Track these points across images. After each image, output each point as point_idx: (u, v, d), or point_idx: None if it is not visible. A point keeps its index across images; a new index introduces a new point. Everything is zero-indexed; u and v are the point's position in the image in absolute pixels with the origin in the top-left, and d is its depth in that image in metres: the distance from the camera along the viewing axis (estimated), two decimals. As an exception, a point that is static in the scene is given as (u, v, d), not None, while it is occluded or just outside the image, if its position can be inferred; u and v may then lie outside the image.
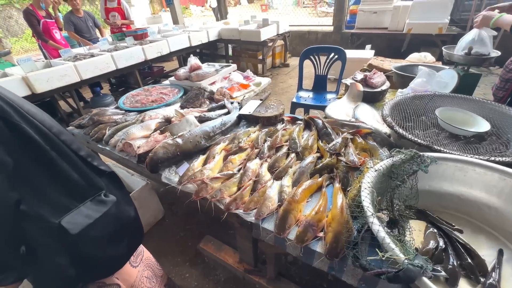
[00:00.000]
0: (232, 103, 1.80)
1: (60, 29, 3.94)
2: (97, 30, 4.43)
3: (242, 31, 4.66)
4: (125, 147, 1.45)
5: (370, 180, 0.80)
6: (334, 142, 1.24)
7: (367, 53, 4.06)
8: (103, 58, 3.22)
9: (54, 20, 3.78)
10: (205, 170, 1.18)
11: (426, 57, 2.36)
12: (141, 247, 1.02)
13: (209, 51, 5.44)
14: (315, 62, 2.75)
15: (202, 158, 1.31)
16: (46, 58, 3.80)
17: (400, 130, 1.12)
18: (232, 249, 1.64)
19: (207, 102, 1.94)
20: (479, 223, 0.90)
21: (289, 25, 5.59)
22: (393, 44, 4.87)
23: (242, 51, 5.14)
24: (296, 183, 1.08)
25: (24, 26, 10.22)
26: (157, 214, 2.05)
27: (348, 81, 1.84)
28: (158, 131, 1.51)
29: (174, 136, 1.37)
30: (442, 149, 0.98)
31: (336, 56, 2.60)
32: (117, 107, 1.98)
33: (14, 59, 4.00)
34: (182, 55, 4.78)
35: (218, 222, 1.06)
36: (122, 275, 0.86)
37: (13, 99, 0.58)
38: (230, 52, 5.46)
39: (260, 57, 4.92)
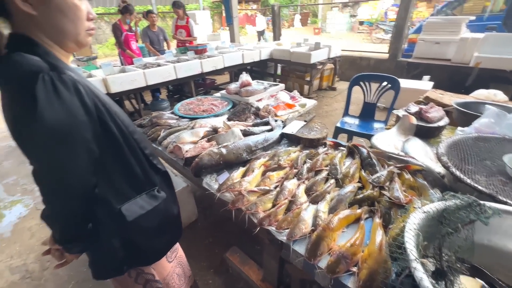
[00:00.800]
0: (276, 121, 1.86)
1: (137, 41, 4.62)
2: (165, 43, 5.06)
3: (293, 52, 4.81)
4: (175, 150, 1.59)
5: (416, 221, 0.75)
6: (378, 174, 1.19)
7: (424, 84, 3.81)
8: (166, 68, 3.65)
9: (133, 33, 4.46)
10: (243, 182, 1.23)
11: (496, 95, 2.11)
12: (177, 245, 1.09)
13: (259, 69, 5.70)
14: (365, 89, 2.68)
15: (242, 170, 1.36)
16: (122, 64, 4.46)
17: (458, 173, 1.02)
18: (256, 265, 1.63)
19: (253, 117, 2.03)
20: (554, 297, 0.75)
21: (341, 50, 5.58)
22: (455, 77, 4.47)
23: (291, 71, 5.28)
24: (332, 210, 1.05)
25: (108, 36, 12.34)
26: (191, 216, 2.16)
27: (400, 112, 1.75)
28: (206, 139, 1.63)
29: (219, 146, 1.47)
30: (509, 201, 0.87)
31: (389, 85, 2.50)
32: (172, 112, 2.20)
33: (98, 62, 4.79)
34: (234, 71, 5.11)
35: (247, 235, 1.07)
36: (158, 267, 0.93)
37: (106, 101, 0.71)
38: (278, 71, 5.64)
39: (308, 79, 4.97)
